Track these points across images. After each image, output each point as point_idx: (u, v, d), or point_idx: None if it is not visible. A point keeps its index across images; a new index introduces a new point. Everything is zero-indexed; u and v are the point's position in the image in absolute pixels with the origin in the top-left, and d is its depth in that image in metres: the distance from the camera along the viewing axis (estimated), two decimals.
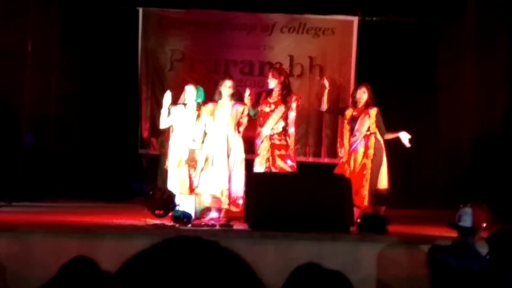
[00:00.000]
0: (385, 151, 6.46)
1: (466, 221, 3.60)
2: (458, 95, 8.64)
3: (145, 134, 9.05)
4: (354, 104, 6.59)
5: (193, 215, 5.88)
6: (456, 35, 8.79)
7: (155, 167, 8.28)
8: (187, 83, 6.86)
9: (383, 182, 6.40)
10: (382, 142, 6.44)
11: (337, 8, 9.17)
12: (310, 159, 9.02)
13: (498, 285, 2.80)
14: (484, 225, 3.64)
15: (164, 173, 8.10)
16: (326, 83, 6.82)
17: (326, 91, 6.81)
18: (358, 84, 7.03)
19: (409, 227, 5.96)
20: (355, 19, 9.20)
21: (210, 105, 6.44)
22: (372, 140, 6.36)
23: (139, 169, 8.82)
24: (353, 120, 6.49)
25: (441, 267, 3.55)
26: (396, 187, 7.40)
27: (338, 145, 7.13)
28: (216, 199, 6.25)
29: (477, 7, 8.30)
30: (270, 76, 6.70)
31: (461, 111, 8.53)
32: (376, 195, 6.35)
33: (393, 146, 6.76)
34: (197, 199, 6.31)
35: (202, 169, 6.29)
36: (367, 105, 6.47)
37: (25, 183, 7.81)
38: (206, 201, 6.29)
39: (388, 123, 6.53)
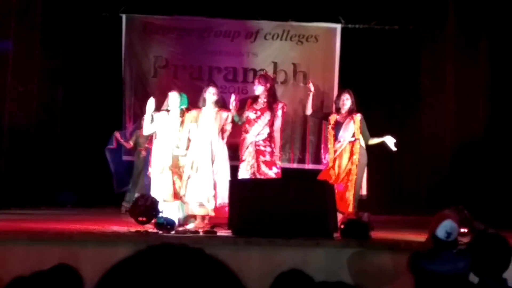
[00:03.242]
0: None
1: (455, 236, 3.65)
2: (441, 102, 8.71)
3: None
4: (338, 110, 6.62)
5: (176, 221, 5.86)
6: (438, 43, 8.88)
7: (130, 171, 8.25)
8: (170, 89, 6.85)
9: (363, 188, 6.44)
10: (364, 148, 6.48)
11: (321, 15, 9.23)
12: (295, 165, 9.03)
13: None
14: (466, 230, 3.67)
15: (136, 178, 8.09)
16: (311, 86, 6.87)
17: (310, 95, 6.85)
18: (341, 90, 7.07)
19: (392, 233, 5.99)
20: (338, 27, 9.25)
21: (194, 112, 6.44)
22: (357, 146, 6.39)
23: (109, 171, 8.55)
24: (337, 126, 6.52)
25: (426, 273, 3.57)
26: (379, 193, 7.45)
27: (322, 151, 7.16)
28: (203, 206, 6.24)
29: (459, 15, 8.39)
30: (256, 82, 6.72)
31: (444, 117, 8.60)
32: (359, 201, 6.38)
33: (376, 153, 6.80)
34: (184, 207, 6.30)
35: (188, 177, 6.27)
36: (351, 111, 6.51)
37: (6, 190, 7.72)
38: (194, 209, 6.28)
39: (371, 129, 6.56)
